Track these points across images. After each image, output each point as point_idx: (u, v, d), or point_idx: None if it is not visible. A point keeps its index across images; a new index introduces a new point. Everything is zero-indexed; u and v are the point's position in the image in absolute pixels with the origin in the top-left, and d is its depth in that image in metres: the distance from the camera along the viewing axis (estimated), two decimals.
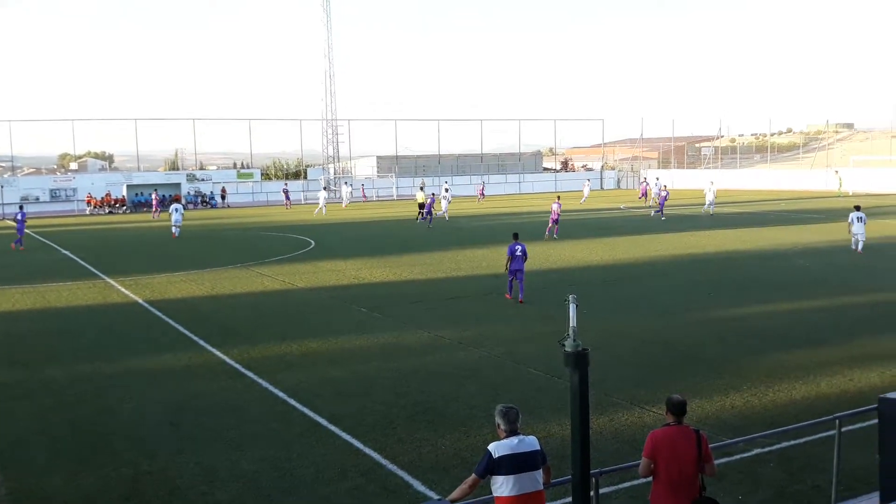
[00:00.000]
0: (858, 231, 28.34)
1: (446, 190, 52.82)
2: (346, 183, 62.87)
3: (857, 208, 29.25)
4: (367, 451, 10.33)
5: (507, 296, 20.63)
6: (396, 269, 26.37)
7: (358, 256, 29.69)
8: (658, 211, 44.59)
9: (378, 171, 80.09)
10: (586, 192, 64.11)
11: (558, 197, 38.28)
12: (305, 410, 11.98)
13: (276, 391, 12.99)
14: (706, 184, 49.86)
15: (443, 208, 48.05)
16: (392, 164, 79.60)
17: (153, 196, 57.51)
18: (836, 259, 26.66)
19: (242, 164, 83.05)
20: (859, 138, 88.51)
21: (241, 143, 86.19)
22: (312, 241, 35.31)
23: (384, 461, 9.97)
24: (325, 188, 59.80)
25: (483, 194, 68.31)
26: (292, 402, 12.42)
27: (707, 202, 47.30)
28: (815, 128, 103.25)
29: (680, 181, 77.49)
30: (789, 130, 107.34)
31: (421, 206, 45.96)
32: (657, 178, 60.95)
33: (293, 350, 15.70)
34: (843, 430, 8.60)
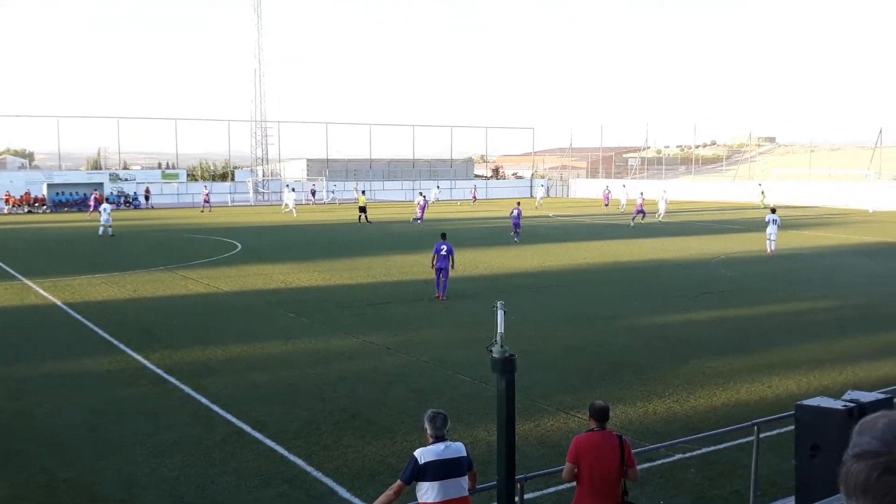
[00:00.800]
0: (772, 231, 31.62)
1: (420, 194, 53.22)
2: (291, 189, 61.83)
3: (773, 211, 32.66)
4: (292, 457, 10.18)
5: (437, 296, 21.36)
6: (325, 273, 26.13)
7: (286, 260, 29.33)
8: (634, 217, 46.18)
9: (308, 174, 79.36)
10: (539, 196, 69.01)
11: (518, 203, 38.99)
12: (228, 416, 11.75)
13: (198, 397, 12.72)
14: (659, 193, 51.95)
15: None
16: (322, 168, 78.99)
17: (94, 195, 55.93)
18: (757, 269, 27.41)
19: (168, 164, 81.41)
20: (780, 152, 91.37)
21: (166, 143, 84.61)
22: (239, 244, 34.76)
23: (309, 468, 9.84)
24: (292, 189, 59.84)
25: (475, 198, 71.91)
26: (215, 407, 12.17)
27: (660, 211, 48.89)
28: (738, 141, 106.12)
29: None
30: (713, 143, 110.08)
31: (362, 208, 47.11)
32: (624, 186, 63.93)
33: (217, 355, 15.40)
34: (762, 435, 8.82)
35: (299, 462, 10.03)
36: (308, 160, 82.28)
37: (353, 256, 30.58)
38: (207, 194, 60.47)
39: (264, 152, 77.51)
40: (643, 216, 46.04)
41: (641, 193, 51.09)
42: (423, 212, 47.46)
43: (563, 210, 60.14)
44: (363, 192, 52.58)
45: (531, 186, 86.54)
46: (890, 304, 20.86)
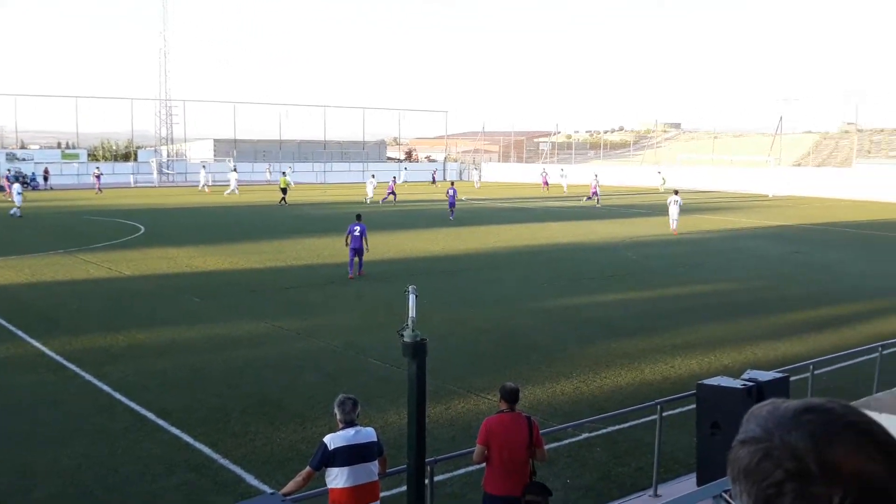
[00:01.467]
0: (673, 211, 34.11)
1: (393, 178, 54.30)
2: (233, 168, 60.30)
3: (676, 192, 35.06)
4: (198, 445, 9.97)
5: (350, 276, 21.72)
6: (233, 256, 25.63)
7: (192, 243, 28.63)
8: (589, 199, 49.12)
9: (215, 156, 77.63)
10: (477, 180, 71.65)
11: (452, 183, 42.26)
12: (131, 404, 11.43)
13: (100, 384, 12.32)
14: (591, 177, 53.90)
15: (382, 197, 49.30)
16: (230, 148, 77.34)
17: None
18: (660, 251, 28.15)
19: (68, 144, 78.45)
20: (685, 138, 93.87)
21: (66, 122, 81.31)
22: (142, 227, 33.77)
23: (216, 455, 9.66)
24: (234, 169, 59.03)
25: (434, 179, 73.22)
26: (117, 395, 11.82)
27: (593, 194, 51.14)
28: (645, 127, 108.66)
29: (520, 174, 79.71)
30: (621, 129, 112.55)
31: (283, 190, 47.48)
32: (562, 171, 66.60)
33: (119, 341, 14.94)
34: (665, 414, 9.09)
35: (205, 449, 9.84)
36: (215, 140, 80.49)
37: (263, 239, 30.07)
38: (98, 175, 58.53)
39: (169, 132, 75.50)
40: (598, 199, 48.48)
41: (596, 176, 53.09)
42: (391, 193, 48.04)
43: (502, 194, 60.46)
44: (284, 174, 52.43)
45: (444, 170, 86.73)
46: (787, 285, 21.72)
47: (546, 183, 65.52)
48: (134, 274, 22.42)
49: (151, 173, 69.15)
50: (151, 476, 9.10)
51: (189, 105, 77.49)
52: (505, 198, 55.34)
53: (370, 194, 50.58)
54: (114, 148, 79.89)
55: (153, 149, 75.46)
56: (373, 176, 56.55)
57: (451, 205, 39.53)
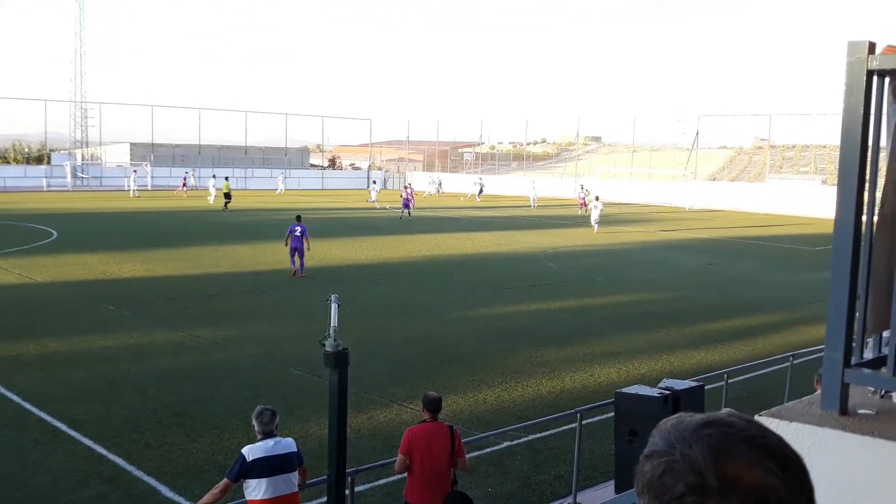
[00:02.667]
0: (595, 214, 39.20)
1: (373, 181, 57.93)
2: (213, 176, 58.99)
3: (597, 198, 39.87)
4: (112, 457, 9.69)
5: (294, 273, 23.15)
6: (149, 264, 25.00)
7: (107, 249, 27.81)
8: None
9: (132, 159, 75.69)
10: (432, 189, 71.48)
11: (408, 185, 45.39)
12: (42, 415, 11.03)
13: (9, 394, 11.86)
14: (529, 186, 59.16)
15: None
16: (147, 152, 75.47)
17: None
18: (581, 262, 28.58)
19: None
20: (605, 151, 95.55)
21: None
22: (55, 232, 32.67)
23: (130, 467, 9.40)
24: (213, 176, 57.66)
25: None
26: (27, 406, 11.40)
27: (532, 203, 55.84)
28: (566, 139, 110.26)
29: (445, 184, 79.98)
30: (544, 140, 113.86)
31: (227, 195, 47.21)
32: (533, 183, 65.95)
33: (30, 350, 14.40)
34: (584, 422, 9.21)
35: (119, 461, 9.56)
36: (132, 144, 78.49)
37: (181, 246, 29.44)
38: None
39: (84, 135, 73.32)
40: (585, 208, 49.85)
41: (582, 186, 56.03)
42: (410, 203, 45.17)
43: (426, 203, 60.36)
44: (227, 179, 51.84)
45: (368, 178, 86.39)
46: (702, 296, 22.30)
47: (479, 193, 65.62)
48: (46, 280, 21.67)
49: (65, 177, 67.01)
50: (63, 489, 8.80)
51: (105, 107, 75.50)
52: (433, 206, 55.41)
53: (373, 197, 54.88)
54: (26, 150, 77.14)
55: (67, 152, 73.17)
56: (374, 182, 60.73)
57: (405, 205, 43.63)
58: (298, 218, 23.89)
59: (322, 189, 76.23)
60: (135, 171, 62.71)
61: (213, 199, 52.53)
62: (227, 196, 47.64)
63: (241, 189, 68.95)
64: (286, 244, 23.35)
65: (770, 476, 1.09)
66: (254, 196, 63.15)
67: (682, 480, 1.10)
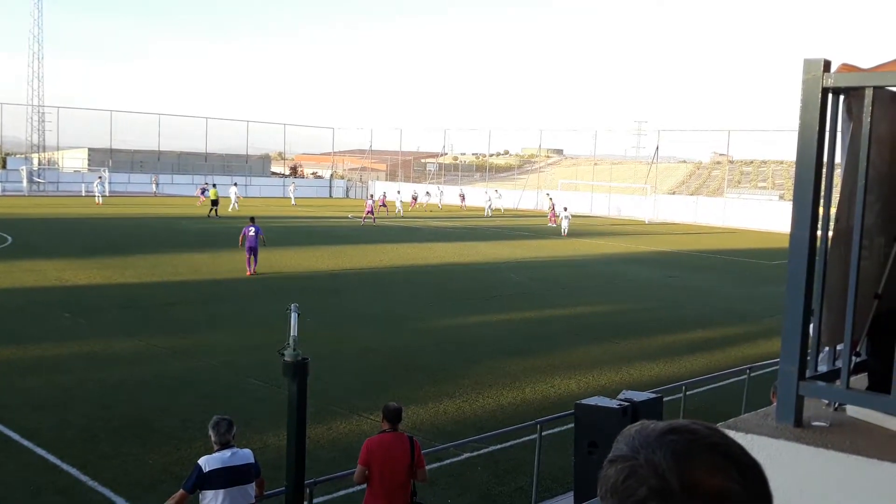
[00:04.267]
0: (564, 222, 44.46)
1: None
2: (234, 183, 59.25)
3: (566, 209, 45.09)
4: (66, 467, 9.51)
5: (249, 273, 24.46)
6: (106, 271, 24.63)
7: (63, 256, 27.36)
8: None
9: (90, 165, 74.59)
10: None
11: (371, 195, 50.68)
12: None
13: None
14: (492, 193, 63.58)
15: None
16: (106, 158, 74.43)
17: None
18: (543, 273, 28.73)
19: None
20: (567, 164, 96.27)
21: None
22: (9, 238, 32.07)
23: (84, 478, 9.24)
24: (234, 184, 59.92)
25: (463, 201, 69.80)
26: None
27: (491, 209, 60.01)
28: (529, 151, 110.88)
29: (406, 194, 79.95)
30: (506, 152, 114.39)
31: (214, 202, 47.84)
32: (496, 191, 69.03)
33: None
34: (544, 433, 9.23)
35: (74, 471, 9.39)
36: (90, 149, 77.38)
37: (138, 253, 29.03)
38: None
39: (41, 139, 72.12)
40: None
41: (550, 198, 58.65)
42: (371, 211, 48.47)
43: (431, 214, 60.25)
44: (214, 185, 52.68)
45: (331, 187, 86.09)
46: (661, 308, 22.52)
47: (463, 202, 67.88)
48: (0, 287, 21.25)
49: (21, 181, 65.83)
50: (14, 500, 8.64)
51: (63, 112, 74.34)
52: (399, 217, 55.34)
53: (399, 207, 58.46)
54: None
55: (24, 156, 71.93)
56: (398, 192, 64.18)
57: (370, 211, 47.09)
58: (252, 219, 25.51)
59: (283, 197, 75.70)
60: (100, 176, 61.78)
61: (235, 207, 53.77)
62: (215, 202, 48.10)
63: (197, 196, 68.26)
64: (241, 245, 25.12)
65: (731, 482, 1.12)
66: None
67: (646, 484, 1.12)
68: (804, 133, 2.64)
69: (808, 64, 2.63)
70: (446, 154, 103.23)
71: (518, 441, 10.71)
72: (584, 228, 50.64)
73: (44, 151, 72.93)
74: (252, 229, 24.67)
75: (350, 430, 11.25)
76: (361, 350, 16.04)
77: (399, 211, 58.37)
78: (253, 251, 24.61)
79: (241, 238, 25.24)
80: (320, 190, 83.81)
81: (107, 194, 59.98)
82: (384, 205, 55.51)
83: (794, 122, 2.68)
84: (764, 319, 21.03)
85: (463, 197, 68.89)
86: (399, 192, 65.93)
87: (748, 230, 56.13)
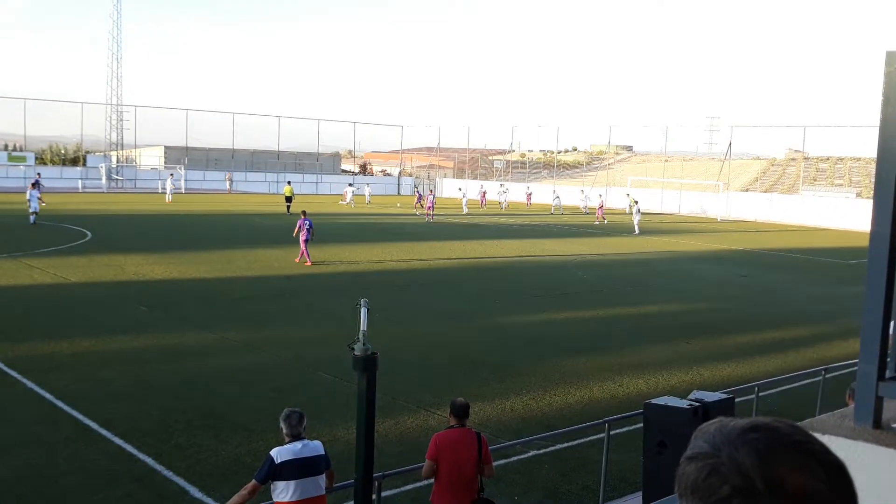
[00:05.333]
0: (636, 219, 44.60)
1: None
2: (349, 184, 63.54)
3: (636, 202, 45.22)
4: (142, 456, 9.79)
5: (297, 260, 26.42)
6: (182, 266, 25.28)
7: (140, 251, 28.16)
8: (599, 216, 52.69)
9: (166, 162, 76.56)
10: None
11: (431, 191, 51.35)
12: (74, 413, 11.18)
13: (42, 392, 12.04)
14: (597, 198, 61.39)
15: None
16: (182, 156, 76.32)
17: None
18: (610, 272, 28.45)
19: (15, 146, 76.73)
20: (636, 160, 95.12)
21: (14, 124, 79.56)
22: (89, 233, 33.13)
23: (160, 467, 9.49)
24: (350, 184, 64.71)
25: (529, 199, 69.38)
26: (60, 404, 11.55)
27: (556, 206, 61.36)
28: (598, 148, 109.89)
29: (473, 191, 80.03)
30: (574, 149, 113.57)
31: (288, 199, 49.21)
32: (582, 191, 68.93)
33: (63, 349, 14.62)
34: (612, 432, 9.16)
35: (149, 461, 9.66)
36: (166, 147, 79.42)
37: (213, 249, 29.72)
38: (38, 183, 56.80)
39: (119, 137, 74.30)
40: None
41: (600, 195, 59.29)
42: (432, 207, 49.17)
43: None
44: (289, 183, 54.49)
45: (398, 184, 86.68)
46: (732, 308, 22.09)
47: (483, 200, 65.68)
48: (80, 280, 21.98)
49: (100, 178, 67.99)
50: (92, 487, 8.91)
51: (140, 111, 76.46)
52: (460, 213, 55.43)
53: (348, 199, 59.53)
54: (62, 152, 78.36)
55: (103, 154, 74.22)
56: (459, 189, 65.73)
57: (430, 208, 48.20)
58: (304, 213, 27.90)
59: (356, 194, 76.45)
60: (171, 174, 63.30)
61: (349, 202, 58.99)
62: (289, 199, 49.40)
63: (273, 193, 69.51)
64: (295, 235, 26.75)
65: (816, 481, 1.11)
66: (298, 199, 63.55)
67: (729, 483, 1.12)
68: (886, 128, 2.58)
69: (891, 56, 2.56)
70: (514, 151, 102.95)
71: (585, 440, 10.65)
72: (654, 226, 49.96)
73: (122, 149, 75.13)
74: (307, 223, 26.41)
75: (418, 424, 11.33)
76: (429, 345, 16.13)
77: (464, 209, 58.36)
78: (305, 243, 26.32)
79: (296, 230, 26.79)
80: (388, 187, 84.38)
81: (182, 191, 61.49)
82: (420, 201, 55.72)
83: (873, 118, 2.61)
84: (839, 320, 20.45)
85: (530, 196, 68.43)
86: (461, 188, 66.48)
87: (824, 228, 54.61)
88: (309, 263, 25.95)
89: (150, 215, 44.58)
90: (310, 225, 26.58)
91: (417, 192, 63.17)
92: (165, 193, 57.95)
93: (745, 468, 1.12)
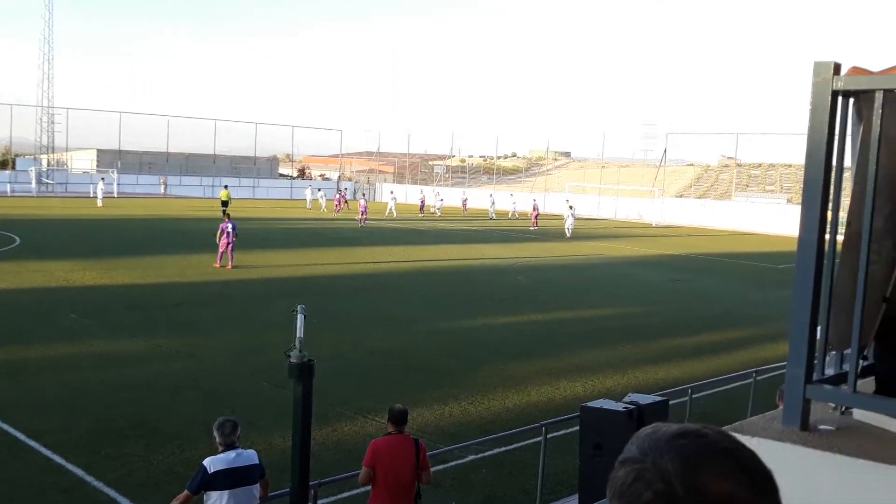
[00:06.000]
0: (569, 222, 45.85)
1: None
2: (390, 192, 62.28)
3: (571, 207, 47.12)
4: (71, 467, 9.51)
5: (227, 265, 26.04)
6: (113, 272, 24.67)
7: (70, 257, 27.41)
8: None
9: (99, 166, 74.76)
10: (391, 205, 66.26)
11: (363, 195, 52.98)
12: (1, 424, 10.80)
13: None
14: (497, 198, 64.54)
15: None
16: (115, 159, 74.58)
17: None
18: (549, 276, 28.69)
19: None
20: (574, 166, 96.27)
21: None
22: (17, 238, 32.15)
23: (89, 478, 9.24)
24: (318, 189, 64.02)
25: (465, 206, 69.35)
26: None
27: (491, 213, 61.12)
28: (536, 154, 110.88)
29: (413, 196, 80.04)
30: (514, 155, 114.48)
31: (224, 203, 47.59)
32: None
33: None
34: (549, 436, 9.21)
35: (78, 472, 9.40)
36: (99, 150, 77.58)
37: (146, 255, 29.10)
38: None
39: (50, 140, 72.37)
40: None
41: (534, 200, 58.37)
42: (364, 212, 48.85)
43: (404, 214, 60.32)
44: (226, 187, 53.02)
45: (338, 189, 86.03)
46: (667, 312, 22.47)
47: (422, 205, 65.76)
48: (8, 287, 21.29)
49: (30, 182, 66.08)
50: (19, 499, 8.64)
51: (72, 113, 74.53)
52: (403, 218, 55.36)
53: (394, 213, 57.75)
54: None
55: (33, 157, 72.19)
56: (391, 192, 66.06)
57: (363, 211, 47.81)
58: (228, 216, 28.94)
59: (291, 199, 75.80)
60: (102, 178, 61.87)
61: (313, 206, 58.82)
62: (225, 204, 47.78)
63: (209, 198, 68.49)
64: (217, 240, 26.60)
65: (740, 489, 1.10)
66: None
67: (651, 488, 1.11)
68: (813, 136, 2.63)
69: (819, 66, 2.61)
70: (454, 156, 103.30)
71: (523, 443, 10.69)
72: (591, 231, 50.58)
73: (53, 152, 73.18)
74: (229, 225, 26.57)
75: (355, 431, 11.24)
76: (367, 351, 16.04)
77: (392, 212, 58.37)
78: (230, 245, 26.39)
79: (218, 234, 26.74)
80: (328, 192, 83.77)
81: (115, 196, 60.14)
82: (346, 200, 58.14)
83: (803, 126, 2.66)
84: (770, 323, 20.96)
85: (465, 202, 68.96)
86: (392, 192, 66.93)
87: (756, 234, 55.99)
88: (230, 267, 25.90)
89: (81, 220, 43.43)
90: (233, 227, 26.58)
91: (341, 194, 63.67)
92: (97, 198, 56.58)
93: (668, 474, 1.11)
